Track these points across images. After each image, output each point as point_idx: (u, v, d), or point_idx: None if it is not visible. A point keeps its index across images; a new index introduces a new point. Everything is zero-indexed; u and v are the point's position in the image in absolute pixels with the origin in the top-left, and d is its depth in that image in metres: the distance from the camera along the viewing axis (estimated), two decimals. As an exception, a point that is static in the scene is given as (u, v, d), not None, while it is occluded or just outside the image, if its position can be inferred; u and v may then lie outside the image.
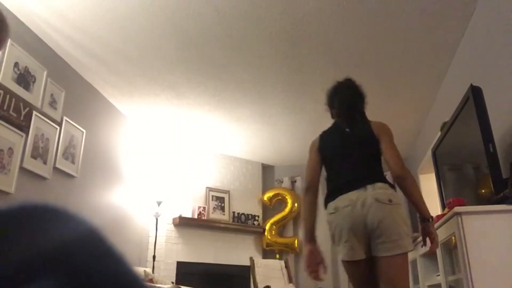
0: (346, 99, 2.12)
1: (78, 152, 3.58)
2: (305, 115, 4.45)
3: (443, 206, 2.84)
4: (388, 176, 1.96)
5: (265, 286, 3.92)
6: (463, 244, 1.87)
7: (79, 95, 3.68)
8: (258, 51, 3.29)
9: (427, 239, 1.86)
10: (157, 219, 4.58)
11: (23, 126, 2.89)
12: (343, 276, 4.95)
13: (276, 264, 4.50)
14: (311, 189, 2.03)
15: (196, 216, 5.05)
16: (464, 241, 1.87)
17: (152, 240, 4.58)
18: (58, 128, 3.32)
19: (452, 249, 2.37)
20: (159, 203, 4.61)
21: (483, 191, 2.23)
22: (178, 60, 3.45)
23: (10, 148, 2.76)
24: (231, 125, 4.77)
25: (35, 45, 3.10)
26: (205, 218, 5.13)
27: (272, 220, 5.62)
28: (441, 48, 3.17)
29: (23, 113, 2.90)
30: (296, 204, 5.70)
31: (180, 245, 4.87)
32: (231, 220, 5.40)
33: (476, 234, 1.88)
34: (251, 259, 4.25)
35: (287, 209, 5.66)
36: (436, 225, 2.34)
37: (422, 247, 1.96)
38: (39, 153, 3.07)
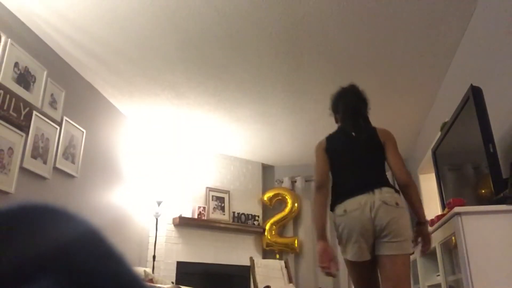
0: (350, 104, 2.18)
1: (78, 152, 3.58)
2: (305, 115, 4.45)
3: (443, 206, 2.84)
4: (389, 175, 2.05)
5: (265, 286, 3.92)
6: (463, 244, 1.87)
7: (79, 95, 3.68)
8: (258, 51, 3.29)
9: (420, 239, 2.01)
10: (157, 219, 4.59)
11: (23, 126, 2.90)
12: (343, 276, 4.95)
13: (276, 264, 4.50)
14: (323, 188, 2.07)
15: (196, 216, 5.05)
16: (464, 241, 1.87)
17: (152, 240, 4.58)
18: (58, 128, 3.32)
19: (452, 249, 2.37)
20: (159, 203, 4.61)
21: (483, 191, 2.23)
22: (178, 60, 3.45)
23: (10, 148, 2.76)
24: (231, 125, 4.78)
25: (35, 45, 3.10)
26: (205, 218, 5.13)
27: (272, 220, 5.62)
28: (441, 48, 3.17)
29: (23, 113, 2.90)
30: (296, 204, 5.70)
31: (180, 245, 4.88)
32: (231, 220, 5.40)
33: (476, 234, 1.88)
34: (251, 259, 4.25)
35: (287, 209, 5.66)
36: (436, 225, 2.35)
37: (413, 246, 2.02)
38: (39, 153, 3.07)
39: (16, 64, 2.87)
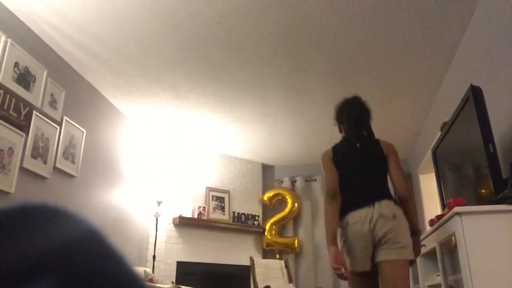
0: (354, 115, 2.29)
1: (78, 152, 3.58)
2: (305, 115, 4.45)
3: (443, 206, 2.84)
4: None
5: (265, 286, 3.92)
6: (463, 244, 1.87)
7: (79, 95, 3.68)
8: (258, 51, 3.29)
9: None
10: (157, 219, 4.59)
11: (23, 126, 2.90)
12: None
13: (276, 264, 4.50)
14: (336, 197, 2.16)
15: (196, 216, 5.05)
16: (464, 241, 1.87)
17: (152, 240, 4.59)
18: (58, 128, 3.32)
19: (452, 249, 2.37)
20: (159, 203, 4.61)
21: (483, 191, 2.23)
22: (178, 60, 3.45)
23: (10, 148, 2.76)
24: (231, 125, 4.78)
25: (35, 45, 3.10)
26: (205, 218, 5.13)
27: (272, 220, 5.62)
28: (441, 48, 3.17)
29: (23, 113, 2.91)
30: (296, 204, 5.70)
31: (180, 245, 4.88)
32: (231, 220, 5.40)
33: (476, 234, 1.88)
34: (251, 259, 4.25)
35: (287, 209, 5.66)
36: (436, 225, 2.35)
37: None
38: (39, 153, 3.07)
39: (16, 64, 2.87)
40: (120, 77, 3.76)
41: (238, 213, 5.49)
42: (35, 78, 3.06)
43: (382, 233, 1.99)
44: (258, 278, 4.09)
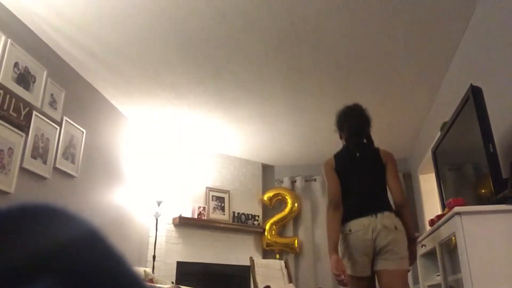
0: (354, 123, 2.34)
1: (78, 152, 3.58)
2: (305, 115, 4.45)
3: (443, 206, 2.84)
4: None
5: (265, 286, 3.92)
6: (463, 244, 1.87)
7: (79, 95, 3.68)
8: (258, 51, 3.29)
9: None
10: (157, 219, 4.59)
11: (23, 126, 2.90)
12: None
13: (276, 264, 4.50)
14: (339, 206, 2.21)
15: (196, 216, 5.05)
16: (464, 241, 1.87)
17: (152, 240, 4.58)
18: (58, 128, 3.32)
19: (452, 249, 2.37)
20: (159, 203, 4.61)
21: (483, 191, 2.23)
22: (178, 60, 3.45)
23: (10, 148, 2.76)
24: (231, 125, 4.78)
25: (35, 45, 3.10)
26: (205, 218, 5.13)
27: (272, 220, 5.62)
28: (441, 48, 3.17)
29: (23, 113, 2.90)
30: (296, 204, 5.70)
31: (180, 245, 4.88)
32: (231, 220, 5.40)
33: (476, 234, 1.88)
34: (251, 259, 4.25)
35: (287, 209, 5.66)
36: (436, 225, 2.35)
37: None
38: (39, 153, 3.07)
39: (16, 64, 2.87)
40: (120, 77, 3.76)
41: (238, 213, 5.49)
42: (35, 78, 3.06)
43: (383, 244, 2.06)
44: (258, 278, 4.09)
